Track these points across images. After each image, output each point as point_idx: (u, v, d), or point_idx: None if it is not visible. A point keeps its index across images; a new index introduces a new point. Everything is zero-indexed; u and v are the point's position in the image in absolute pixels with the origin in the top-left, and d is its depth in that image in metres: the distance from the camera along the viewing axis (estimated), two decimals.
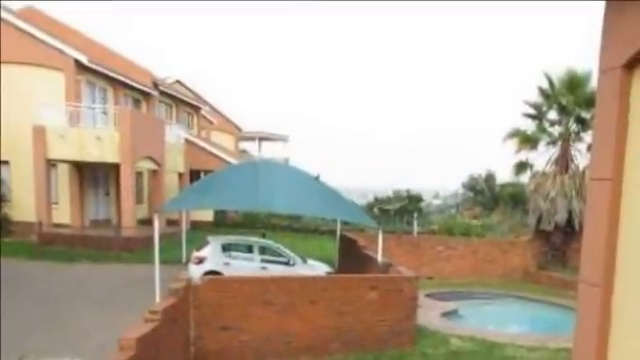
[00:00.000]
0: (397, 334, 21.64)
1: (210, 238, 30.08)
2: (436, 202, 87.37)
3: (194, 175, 53.60)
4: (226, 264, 27.72)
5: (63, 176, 43.87)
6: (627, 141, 7.88)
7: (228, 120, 78.00)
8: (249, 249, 29.63)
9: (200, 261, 27.60)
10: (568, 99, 38.98)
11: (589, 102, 36.74)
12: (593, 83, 34.47)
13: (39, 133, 39.44)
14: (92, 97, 45.75)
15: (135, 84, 50.02)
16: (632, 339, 7.66)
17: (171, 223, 45.71)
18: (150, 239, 26.78)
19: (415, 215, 54.33)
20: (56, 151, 39.52)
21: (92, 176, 46.06)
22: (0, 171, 42.23)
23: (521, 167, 42.71)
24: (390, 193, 64.93)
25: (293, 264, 28.65)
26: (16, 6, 45.84)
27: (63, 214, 43.25)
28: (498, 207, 60.75)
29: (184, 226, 36.94)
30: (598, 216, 8.24)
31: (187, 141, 54.81)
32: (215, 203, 32.22)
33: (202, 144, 57.43)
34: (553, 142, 40.84)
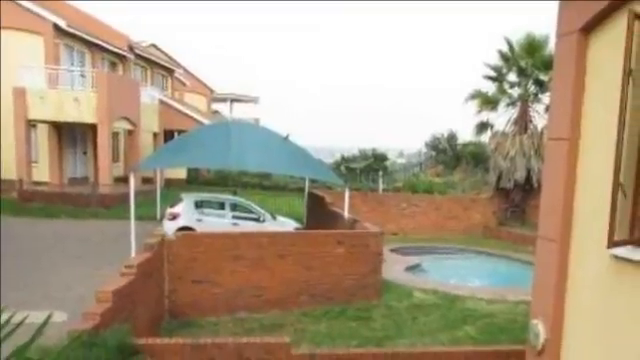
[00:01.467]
0: (363, 287, 21.74)
1: (183, 195, 30.08)
2: (400, 161, 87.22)
3: (168, 135, 53.64)
4: (199, 220, 27.72)
5: (43, 136, 43.80)
6: (583, 103, 7.95)
7: (201, 82, 77.74)
8: (221, 206, 29.68)
9: (174, 217, 27.57)
10: (527, 62, 39.17)
11: (547, 65, 36.86)
12: (551, 46, 34.59)
13: (19, 95, 39.32)
14: (70, 60, 45.75)
15: (112, 47, 49.97)
16: (587, 291, 7.76)
17: (146, 181, 45.58)
18: (126, 196, 26.85)
19: (380, 173, 54.26)
20: (36, 112, 39.41)
21: (70, 136, 46.00)
22: None
23: (482, 127, 42.96)
24: (356, 152, 64.74)
25: (263, 220, 28.69)
26: None
27: (42, 172, 43.24)
28: (460, 165, 60.84)
29: (158, 184, 37.46)
30: (555, 174, 8.32)
31: (161, 102, 54.86)
32: (188, 162, 32.73)
33: (176, 105, 57.08)
34: (512, 103, 41.04)
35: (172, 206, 29.00)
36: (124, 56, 52.56)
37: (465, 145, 64.91)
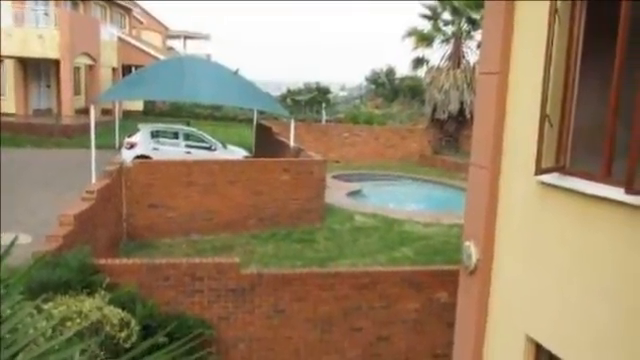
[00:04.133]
0: (308, 212, 21.81)
1: (140, 126, 29.71)
2: (342, 94, 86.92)
3: (126, 70, 53.27)
4: (155, 149, 27.48)
5: (9, 71, 43.57)
6: (513, 39, 7.95)
7: (156, 20, 76.87)
8: (175, 135, 29.43)
9: (131, 146, 27.28)
10: (460, 1, 39.12)
11: (479, 4, 36.72)
12: None
13: None
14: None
15: None
16: (516, 215, 7.85)
17: (105, 112, 44.99)
18: (87, 127, 26.84)
19: (323, 105, 54.17)
20: (3, 48, 38.57)
21: (35, 71, 45.70)
22: None
23: (418, 62, 43.11)
24: (301, 86, 64.35)
25: (214, 149, 28.53)
26: None
27: (9, 104, 43.01)
28: (398, 98, 60.87)
29: (117, 115, 37.62)
30: (487, 106, 8.34)
31: (120, 39, 54.58)
32: (145, 95, 33.61)
33: (133, 42, 56.65)
34: (447, 40, 41.08)
35: (130, 136, 28.64)
36: None
37: (403, 79, 64.85)
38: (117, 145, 31.38)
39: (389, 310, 13.18)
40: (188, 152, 27.83)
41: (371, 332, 13.20)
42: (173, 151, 27.30)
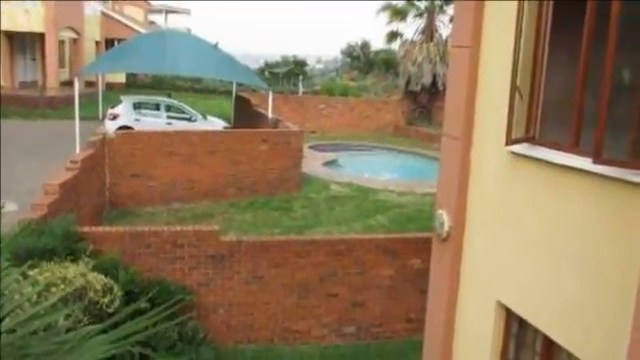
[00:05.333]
0: (285, 181, 21.83)
1: (123, 97, 29.72)
2: (319, 67, 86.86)
3: (109, 43, 53.38)
4: (137, 120, 27.45)
5: None
6: (484, 13, 7.93)
7: None
8: (157, 107, 29.47)
9: (114, 117, 27.23)
10: None
11: None
12: None
13: None
14: None
15: None
16: (487, 184, 7.86)
17: (89, 84, 44.74)
18: (71, 98, 26.98)
19: (300, 78, 54.13)
20: None
21: (21, 44, 45.48)
22: None
23: (392, 36, 43.16)
24: (279, 59, 64.30)
25: (195, 120, 28.53)
26: None
27: None
28: (372, 71, 60.88)
29: (100, 87, 37.57)
30: (459, 78, 8.33)
31: (103, 14, 54.55)
32: (127, 67, 33.60)
33: (116, 16, 56.59)
34: (420, 14, 41.14)
35: (113, 107, 28.68)
36: None
37: (377, 52, 64.87)
38: (100, 116, 31.38)
39: (364, 276, 13.22)
40: (169, 123, 27.83)
41: (347, 298, 13.24)
42: (154, 122, 27.30)
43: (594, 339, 5.75)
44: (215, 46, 28.03)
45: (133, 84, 54.16)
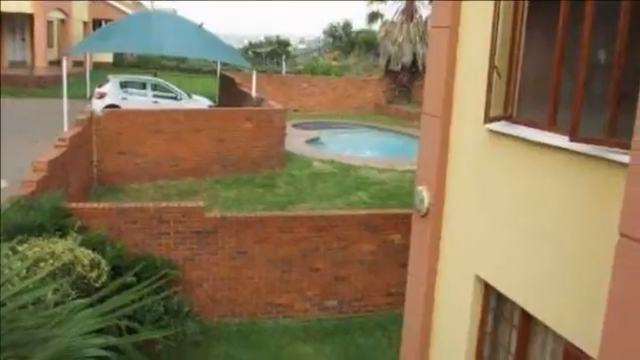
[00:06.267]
0: (268, 158, 21.82)
1: (110, 77, 30.05)
2: (301, 46, 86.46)
3: (96, 24, 53.47)
4: (124, 99, 27.50)
5: None
6: None
7: None
8: (143, 86, 29.62)
9: (101, 96, 27.24)
10: None
11: None
12: None
13: None
14: None
15: None
16: (466, 161, 7.84)
17: (77, 64, 44.64)
18: (59, 78, 26.79)
19: (283, 57, 54.19)
20: None
21: (10, 25, 45.47)
22: None
23: (373, 17, 43.34)
24: (262, 39, 64.12)
25: (180, 99, 28.56)
26: None
27: None
28: (354, 51, 60.74)
29: (88, 67, 37.79)
30: (438, 58, 8.30)
31: None
32: (114, 47, 34.26)
33: None
34: None
35: (100, 86, 28.76)
36: None
37: (359, 32, 64.71)
38: (88, 95, 31.46)
39: (346, 251, 13.24)
40: (155, 102, 27.86)
41: (329, 272, 13.26)
42: (141, 101, 27.37)
43: (569, 313, 5.77)
44: (200, 27, 27.95)
45: (120, 63, 54.28)
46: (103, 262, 10.26)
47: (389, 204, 17.84)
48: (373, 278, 13.48)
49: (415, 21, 40.08)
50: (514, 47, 6.83)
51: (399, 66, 40.05)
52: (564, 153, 5.73)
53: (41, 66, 41.80)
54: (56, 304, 6.91)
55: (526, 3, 6.81)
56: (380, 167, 22.88)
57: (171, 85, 30.21)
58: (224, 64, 36.64)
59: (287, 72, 48.46)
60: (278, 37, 63.11)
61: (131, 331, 7.46)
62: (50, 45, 47.41)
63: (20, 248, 9.24)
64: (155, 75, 34.98)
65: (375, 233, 13.33)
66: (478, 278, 7.51)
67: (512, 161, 6.71)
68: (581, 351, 5.57)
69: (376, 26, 45.38)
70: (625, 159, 4.47)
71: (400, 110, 38.21)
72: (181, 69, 53.86)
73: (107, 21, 46.68)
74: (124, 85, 29.02)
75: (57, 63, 39.48)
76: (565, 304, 5.83)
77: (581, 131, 5.54)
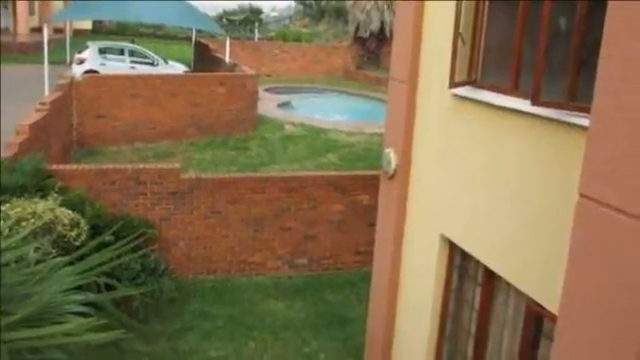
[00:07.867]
0: (241, 121, 21.77)
1: (89, 43, 29.89)
2: (273, 14, 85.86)
3: None
4: (102, 64, 27.33)
5: None
6: None
7: None
8: (121, 52, 29.60)
9: (81, 62, 27.06)
10: None
11: None
12: None
13: None
14: None
15: None
16: (432, 125, 7.80)
17: (57, 31, 44.26)
18: (40, 44, 26.93)
19: (256, 25, 54.03)
20: None
21: None
22: None
23: None
24: (235, 7, 63.72)
25: (157, 64, 28.42)
26: None
27: None
28: (324, 18, 60.41)
29: (68, 33, 37.17)
30: (405, 25, 8.22)
31: None
32: (93, 14, 34.37)
33: None
34: None
35: (80, 52, 28.57)
36: None
37: (329, 1, 64.45)
38: (68, 61, 31.11)
39: (316, 211, 13.27)
40: (133, 67, 27.77)
41: (299, 231, 13.30)
42: (119, 66, 27.27)
43: (531, 270, 5.79)
44: None
45: (99, 30, 53.87)
46: (82, 222, 10.27)
47: (358, 166, 17.86)
48: (342, 237, 13.53)
49: None
50: (478, 14, 6.78)
51: (367, 33, 39.88)
52: (526, 117, 5.71)
53: (23, 33, 41.88)
54: (37, 262, 6.88)
55: None
56: (349, 130, 22.86)
57: (148, 51, 30.02)
58: (199, 31, 36.42)
59: (259, 39, 48.35)
60: (251, 5, 62.70)
61: (109, 288, 7.43)
62: (31, 13, 47.32)
63: (3, 208, 9.27)
64: (132, 42, 34.70)
65: (344, 194, 13.35)
66: (443, 237, 7.51)
67: (476, 124, 6.69)
68: (542, 307, 5.59)
69: None
70: (585, 122, 4.46)
71: (368, 75, 38.16)
72: (158, 36, 53.68)
73: None
74: (103, 51, 28.78)
75: (38, 30, 39.53)
76: (527, 262, 5.84)
77: (543, 96, 5.53)
